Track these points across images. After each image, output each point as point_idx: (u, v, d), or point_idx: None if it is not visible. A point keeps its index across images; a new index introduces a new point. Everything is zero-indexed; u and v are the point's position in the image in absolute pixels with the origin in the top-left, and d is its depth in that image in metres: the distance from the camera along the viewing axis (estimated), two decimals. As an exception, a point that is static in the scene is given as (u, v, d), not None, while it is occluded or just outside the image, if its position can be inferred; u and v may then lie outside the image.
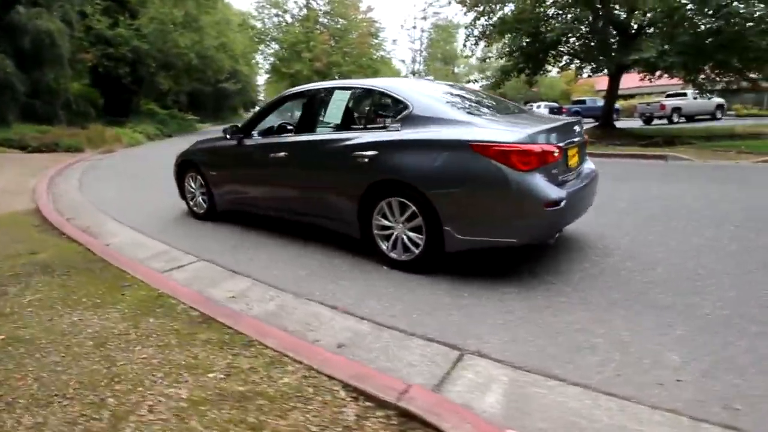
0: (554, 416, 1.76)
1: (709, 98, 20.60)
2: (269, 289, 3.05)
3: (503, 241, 2.85)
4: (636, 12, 11.19)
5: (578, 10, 12.27)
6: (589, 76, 13.82)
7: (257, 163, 4.12)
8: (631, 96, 31.49)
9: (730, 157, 8.84)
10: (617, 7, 12.14)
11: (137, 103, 23.14)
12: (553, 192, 2.76)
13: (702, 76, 12.09)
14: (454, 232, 2.91)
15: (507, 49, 13.67)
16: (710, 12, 9.54)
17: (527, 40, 12.92)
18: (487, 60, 15.28)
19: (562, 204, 2.76)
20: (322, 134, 3.64)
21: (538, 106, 33.44)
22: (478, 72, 45.17)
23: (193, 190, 4.99)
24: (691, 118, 22.16)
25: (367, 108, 3.52)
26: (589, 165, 3.57)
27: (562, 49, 13.35)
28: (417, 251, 3.13)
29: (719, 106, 22.75)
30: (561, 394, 1.88)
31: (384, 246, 3.32)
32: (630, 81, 20.77)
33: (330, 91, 3.76)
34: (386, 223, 3.26)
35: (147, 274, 3.20)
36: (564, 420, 1.74)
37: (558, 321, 2.46)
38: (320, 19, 29.32)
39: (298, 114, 5.13)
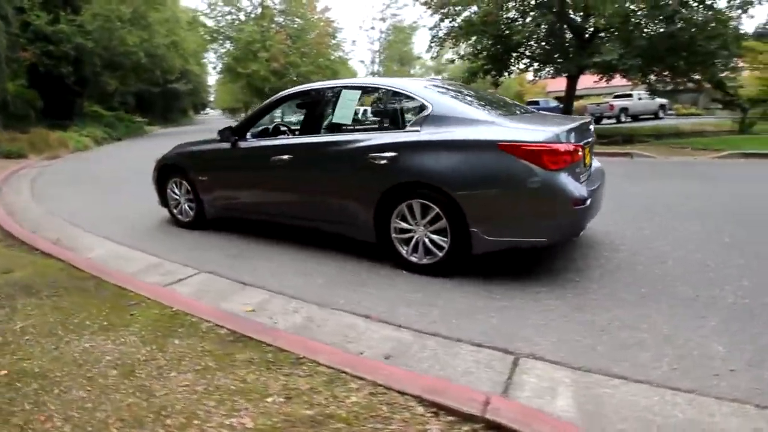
0: (629, 416, 1.75)
1: (653, 99, 22.42)
2: (289, 300, 2.89)
3: (532, 240, 2.85)
4: (592, 17, 11.75)
5: (537, 14, 12.73)
6: (554, 77, 14.33)
7: (255, 166, 3.92)
8: (580, 97, 33.10)
9: (688, 154, 9.47)
10: (573, 12, 12.69)
11: (81, 104, 21.53)
12: (580, 190, 2.79)
13: (654, 77, 12.90)
14: (482, 233, 2.87)
15: (472, 51, 13.94)
16: (662, 18, 10.22)
17: (491, 42, 13.25)
18: (454, 61, 15.42)
19: (588, 202, 2.80)
20: (331, 135, 3.50)
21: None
22: (435, 73, 45.95)
23: (177, 196, 4.68)
24: (635, 117, 23.63)
25: (381, 108, 3.42)
26: (596, 163, 3.66)
27: (524, 51, 13.80)
28: (441, 254, 3.07)
29: (662, 106, 24.40)
30: (628, 393, 1.88)
31: (403, 250, 3.24)
32: (580, 83, 21.85)
33: (337, 90, 3.62)
34: (406, 226, 3.18)
35: (153, 290, 2.94)
36: (640, 418, 1.73)
37: (598, 318, 2.48)
38: (276, 18, 28.68)
39: (293, 116, 4.95)
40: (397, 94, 3.32)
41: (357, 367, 1.97)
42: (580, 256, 3.43)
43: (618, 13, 10.09)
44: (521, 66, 14.64)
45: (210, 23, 29.27)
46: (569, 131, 2.90)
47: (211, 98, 69.97)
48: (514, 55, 13.74)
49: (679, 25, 10.08)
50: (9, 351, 2.22)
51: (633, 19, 10.87)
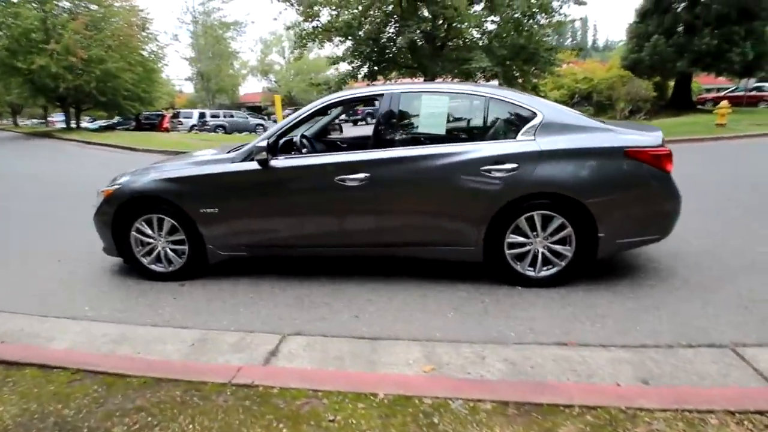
0: None
1: None
2: (457, 345, 2.45)
3: (651, 238, 3.05)
4: (451, 27, 13.14)
5: (397, 22, 13.46)
6: (426, 80, 15.29)
7: (308, 189, 3.14)
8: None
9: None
10: (427, 22, 13.83)
11: None
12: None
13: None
14: (610, 237, 2.95)
15: (352, 52, 13.82)
16: (514, 31, 12.25)
17: (368, 47, 13.41)
18: (337, 63, 14.79)
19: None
20: (422, 148, 3.04)
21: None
22: (260, 74, 44.02)
23: (151, 239, 3.40)
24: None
25: (481, 117, 3.10)
26: None
27: (390, 56, 14.37)
28: (563, 263, 3.03)
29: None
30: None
31: (518, 265, 3.08)
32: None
33: (412, 96, 3.16)
34: (523, 240, 3.03)
35: (273, 373, 2.09)
36: None
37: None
38: (64, 3, 22.93)
39: (314, 125, 4.08)
40: (503, 102, 3.07)
41: (649, 397, 1.84)
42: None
43: (477, 24, 11.56)
44: (393, 72, 15.20)
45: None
46: (658, 135, 3.18)
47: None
48: (384, 58, 14.21)
49: (527, 38, 12.24)
50: None
51: (498, 30, 12.74)
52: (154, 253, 3.44)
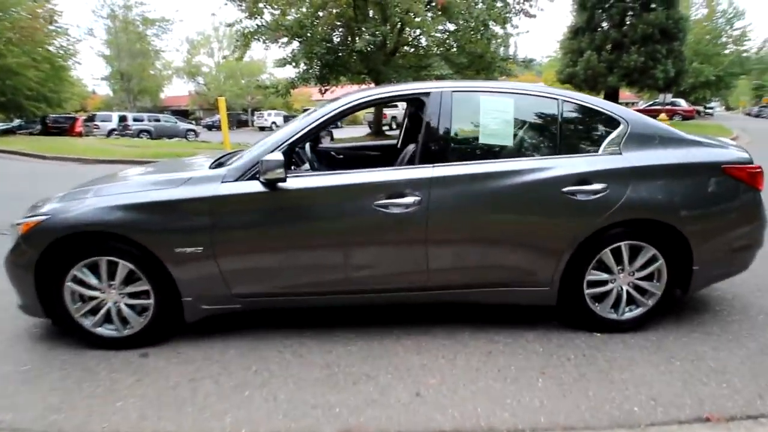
0: None
1: None
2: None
3: (736, 270, 2.62)
4: (402, 32, 12.72)
5: (349, 25, 12.80)
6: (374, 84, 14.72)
7: (333, 218, 2.32)
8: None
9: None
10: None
11: None
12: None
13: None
14: (704, 269, 2.47)
15: (307, 54, 12.76)
16: (470, 41, 12.16)
17: (315, 47, 12.47)
18: (288, 65, 13.56)
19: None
20: (490, 164, 2.34)
21: (269, 114, 33.32)
22: (186, 75, 41.10)
23: (97, 291, 2.38)
24: (399, 125, 27.20)
25: (554, 124, 2.45)
26: None
27: (342, 59, 13.60)
28: (649, 302, 2.50)
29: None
30: None
31: (597, 307, 2.50)
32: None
33: (467, 96, 2.46)
34: (604, 276, 2.46)
35: None
36: None
37: None
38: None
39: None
40: (572, 105, 2.47)
41: None
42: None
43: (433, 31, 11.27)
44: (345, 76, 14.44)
45: None
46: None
47: None
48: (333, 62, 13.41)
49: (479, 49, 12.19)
50: None
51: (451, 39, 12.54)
52: (102, 311, 2.41)
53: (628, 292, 2.50)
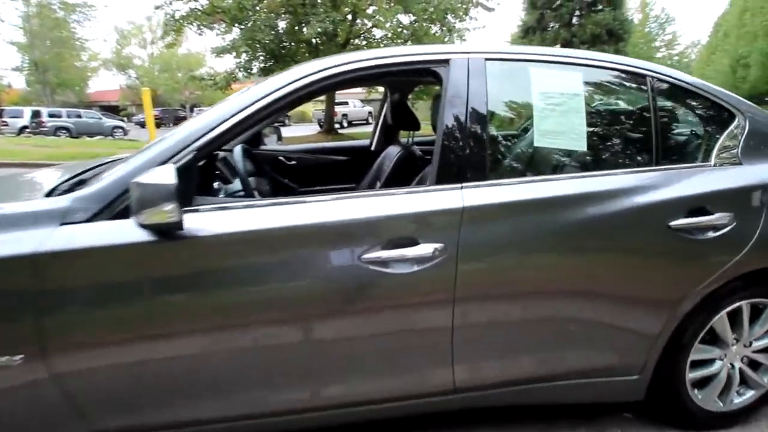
0: None
1: (363, 107, 26.11)
2: None
3: None
4: (354, 21, 11.71)
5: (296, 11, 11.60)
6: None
7: (287, 290, 1.27)
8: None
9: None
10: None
11: None
12: None
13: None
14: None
15: (251, 42, 11.26)
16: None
17: (259, 34, 11.07)
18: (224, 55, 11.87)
19: None
20: (551, 183, 1.39)
21: (200, 110, 30.95)
22: (116, 67, 37.50)
23: None
24: (350, 123, 26.20)
25: (641, 117, 1.52)
26: None
27: (288, 50, 12.29)
28: (766, 381, 1.68)
29: (370, 113, 27.80)
30: None
31: (699, 395, 1.64)
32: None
33: (508, 67, 1.48)
34: (715, 352, 1.61)
35: None
36: None
37: None
38: None
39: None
40: (668, 86, 1.54)
41: None
42: None
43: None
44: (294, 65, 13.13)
45: None
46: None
47: None
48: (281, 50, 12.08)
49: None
50: None
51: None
52: None
53: (740, 370, 1.66)
